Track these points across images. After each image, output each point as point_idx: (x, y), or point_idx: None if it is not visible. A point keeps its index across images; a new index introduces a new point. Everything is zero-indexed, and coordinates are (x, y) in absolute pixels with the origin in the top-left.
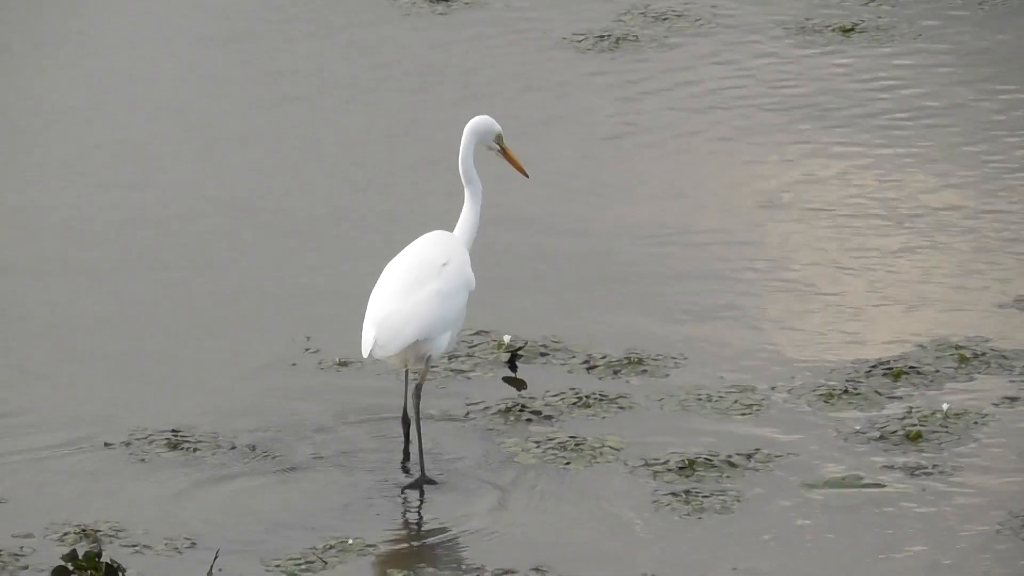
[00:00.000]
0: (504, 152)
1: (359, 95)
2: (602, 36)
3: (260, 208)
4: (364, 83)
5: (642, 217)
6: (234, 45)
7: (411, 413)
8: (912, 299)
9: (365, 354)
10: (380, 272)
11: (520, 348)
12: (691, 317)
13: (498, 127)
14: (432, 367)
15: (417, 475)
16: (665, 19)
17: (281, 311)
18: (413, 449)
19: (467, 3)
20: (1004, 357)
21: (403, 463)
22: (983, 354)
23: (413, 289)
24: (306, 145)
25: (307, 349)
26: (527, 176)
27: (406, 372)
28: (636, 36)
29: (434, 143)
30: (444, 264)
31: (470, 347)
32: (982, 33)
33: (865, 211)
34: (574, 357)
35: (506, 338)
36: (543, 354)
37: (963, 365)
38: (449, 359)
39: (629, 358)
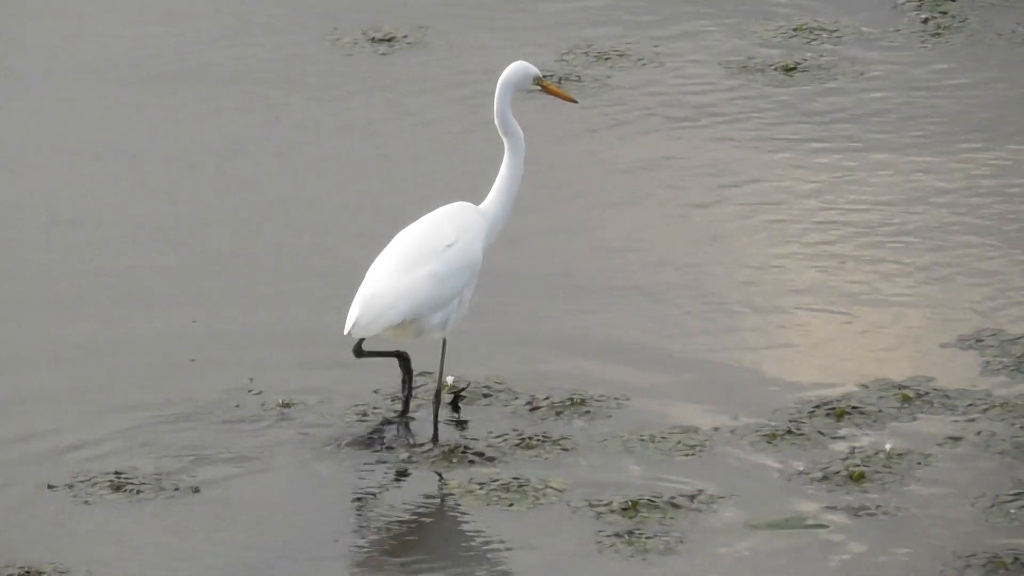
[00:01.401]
0: (545, 88)
1: (299, 134)
2: (545, 75)
3: (200, 247)
4: (305, 122)
5: (584, 256)
6: (172, 85)
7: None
8: (855, 338)
9: (346, 332)
10: (327, 314)
11: (463, 389)
12: (633, 358)
13: (535, 69)
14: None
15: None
16: (607, 58)
17: (223, 351)
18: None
19: (409, 43)
20: (947, 397)
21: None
22: (926, 394)
23: (408, 269)
24: (246, 184)
25: (250, 390)
26: (576, 101)
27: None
28: (579, 76)
29: (376, 184)
30: (449, 245)
31: (413, 388)
32: (925, 70)
33: (807, 251)
34: (517, 398)
35: (449, 379)
36: (486, 395)
37: (906, 405)
38: (392, 400)
39: (572, 399)
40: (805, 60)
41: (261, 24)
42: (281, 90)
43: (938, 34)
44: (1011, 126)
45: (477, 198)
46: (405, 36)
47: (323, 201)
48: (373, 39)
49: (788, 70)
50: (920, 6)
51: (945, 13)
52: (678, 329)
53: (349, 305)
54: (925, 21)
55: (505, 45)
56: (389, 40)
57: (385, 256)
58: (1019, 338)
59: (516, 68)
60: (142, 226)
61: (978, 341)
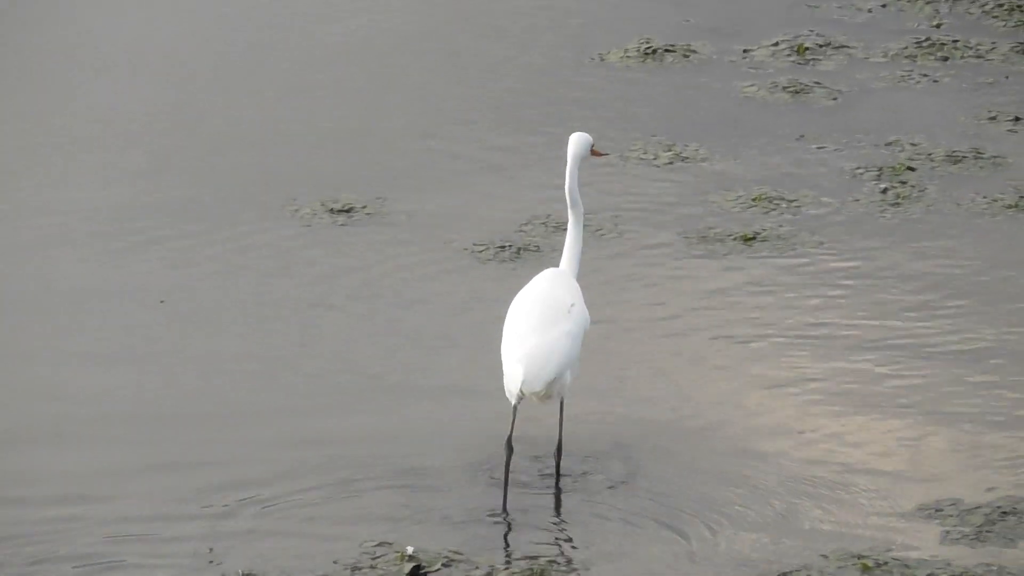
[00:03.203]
0: (592, 153)
1: (258, 306)
2: (503, 246)
3: (156, 420)
4: (262, 295)
5: (539, 434)
6: (131, 256)
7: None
8: (814, 507)
9: (515, 390)
10: (288, 488)
11: (423, 564)
12: (592, 526)
13: (590, 137)
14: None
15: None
16: (566, 229)
17: (181, 519)
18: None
19: (369, 214)
20: (906, 566)
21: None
22: (885, 563)
23: (547, 328)
24: (206, 358)
25: (210, 561)
26: (606, 154)
27: (515, 408)
28: (538, 246)
29: (334, 355)
30: (572, 305)
31: (373, 559)
32: (884, 242)
33: (764, 420)
34: (477, 568)
35: (409, 549)
36: (446, 565)
37: (865, 575)
38: (351, 571)
39: (532, 569)
40: (764, 230)
41: (218, 195)
42: (237, 261)
43: (897, 203)
44: (972, 297)
45: (435, 365)
46: (364, 207)
47: (284, 373)
48: (332, 210)
49: (747, 240)
50: (879, 176)
51: (904, 183)
52: (637, 498)
53: (315, 478)
54: (884, 191)
55: (463, 216)
56: (348, 211)
57: (518, 321)
58: (978, 507)
59: (579, 140)
60: (101, 399)
61: (937, 511)
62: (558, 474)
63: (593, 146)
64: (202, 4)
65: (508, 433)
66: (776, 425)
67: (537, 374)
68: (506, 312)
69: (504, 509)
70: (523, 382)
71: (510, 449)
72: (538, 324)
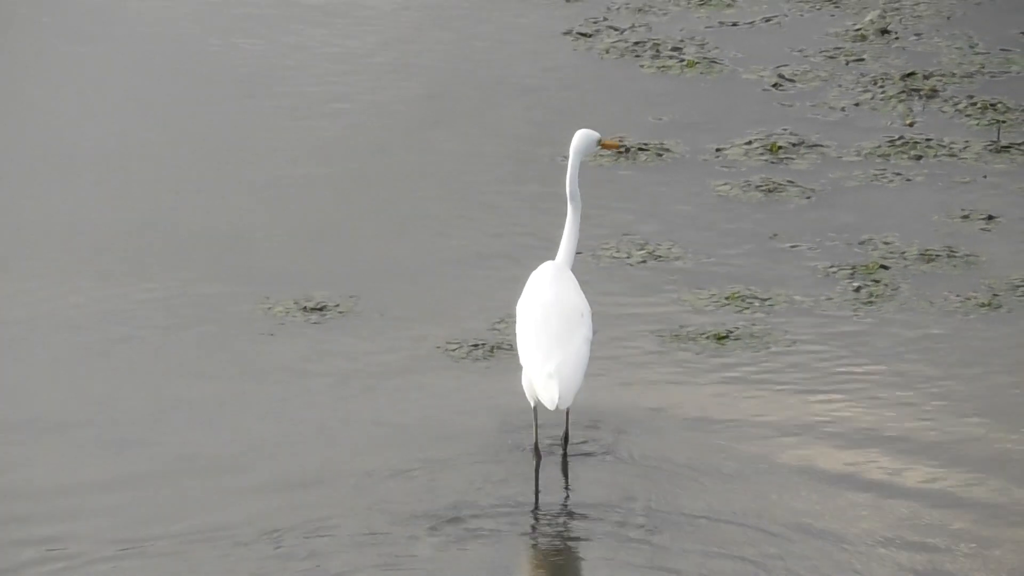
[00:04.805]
0: (604, 146)
1: (228, 407)
2: (476, 345)
3: (127, 527)
4: (234, 394)
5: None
6: (100, 362)
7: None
8: None
9: (552, 407)
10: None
11: None
12: None
13: (596, 133)
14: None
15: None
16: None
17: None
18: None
19: (341, 312)
20: None
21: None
22: None
23: (568, 338)
24: (182, 455)
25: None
26: (626, 148)
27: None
28: (511, 344)
29: (311, 451)
30: (583, 313)
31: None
32: (858, 340)
33: (738, 532)
34: None
35: None
36: None
37: None
38: None
39: None
40: (737, 329)
41: (190, 295)
42: (211, 362)
43: (871, 302)
44: (946, 395)
45: (401, 461)
46: (337, 305)
47: (255, 470)
48: (305, 308)
49: (720, 339)
50: (852, 274)
51: (878, 281)
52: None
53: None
54: (857, 289)
55: (435, 314)
56: (321, 309)
57: (538, 334)
58: None
59: (582, 137)
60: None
61: None
62: (565, 455)
63: (601, 140)
64: (171, 102)
65: (533, 440)
66: (738, 522)
67: (570, 389)
68: (477, 423)
69: (536, 505)
70: (560, 399)
71: (538, 456)
72: (558, 334)
